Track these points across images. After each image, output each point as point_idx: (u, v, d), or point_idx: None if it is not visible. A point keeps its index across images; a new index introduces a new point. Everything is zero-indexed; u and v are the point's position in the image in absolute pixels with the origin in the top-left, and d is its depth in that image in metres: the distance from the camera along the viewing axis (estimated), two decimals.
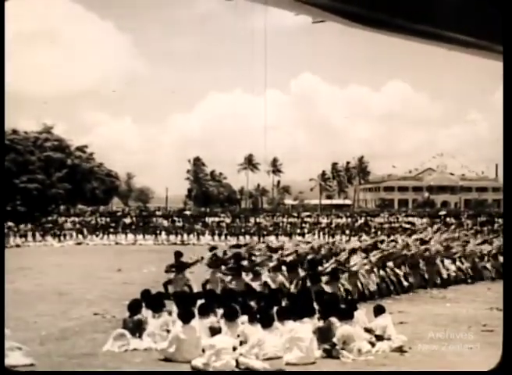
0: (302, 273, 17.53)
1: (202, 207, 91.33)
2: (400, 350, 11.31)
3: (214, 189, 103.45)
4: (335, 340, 11.15)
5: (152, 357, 10.95)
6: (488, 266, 23.00)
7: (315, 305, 12.50)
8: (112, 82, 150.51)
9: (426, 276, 20.58)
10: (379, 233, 45.35)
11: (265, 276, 17.32)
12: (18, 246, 40.82)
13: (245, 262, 17.71)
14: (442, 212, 76.74)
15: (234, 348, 10.51)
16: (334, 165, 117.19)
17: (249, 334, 11.17)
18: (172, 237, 47.70)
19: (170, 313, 12.50)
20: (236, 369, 10.19)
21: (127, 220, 58.87)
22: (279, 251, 19.05)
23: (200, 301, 12.53)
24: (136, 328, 11.79)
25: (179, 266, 17.66)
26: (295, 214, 73.50)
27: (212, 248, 18.83)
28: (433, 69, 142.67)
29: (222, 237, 47.92)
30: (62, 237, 45.42)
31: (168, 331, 11.56)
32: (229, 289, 15.98)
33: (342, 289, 16.65)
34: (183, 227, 53.04)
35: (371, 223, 62.09)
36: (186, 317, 11.03)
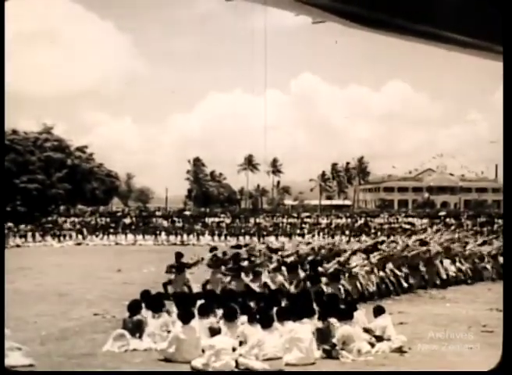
0: (302, 273, 17.54)
1: (202, 207, 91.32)
2: (399, 350, 11.31)
3: (214, 189, 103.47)
4: (334, 340, 11.15)
5: (152, 357, 10.95)
6: (488, 266, 23.00)
7: (315, 306, 12.50)
8: (112, 82, 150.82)
9: (426, 276, 20.58)
10: (379, 233, 45.38)
11: (265, 277, 17.32)
12: (18, 246, 40.82)
13: (245, 263, 17.71)
14: (442, 213, 76.74)
15: (234, 349, 10.50)
16: (334, 165, 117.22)
17: (249, 335, 11.17)
18: (171, 238, 47.71)
19: (170, 314, 12.50)
20: (236, 370, 10.19)
21: (127, 221, 58.85)
22: (279, 252, 19.06)
23: (199, 302, 12.53)
24: (136, 328, 11.78)
25: (179, 266, 17.67)
26: (295, 214, 73.45)
27: (212, 249, 18.85)
28: (433, 69, 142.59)
29: (222, 238, 47.92)
30: (61, 238, 45.42)
31: (168, 332, 11.56)
32: (228, 289, 15.99)
33: (342, 290, 16.64)
34: (183, 228, 53.04)
35: (370, 223, 62.07)
36: (185, 317, 11.03)
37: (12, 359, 10.10)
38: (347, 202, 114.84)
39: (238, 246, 21.27)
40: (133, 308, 12.17)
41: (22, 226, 45.87)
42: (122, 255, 33.93)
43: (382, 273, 18.67)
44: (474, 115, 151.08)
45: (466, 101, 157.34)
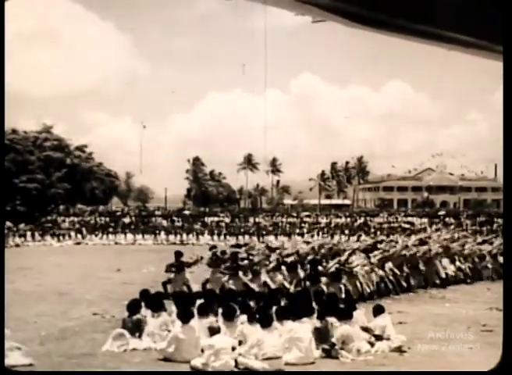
0: (302, 273, 17.54)
1: (201, 207, 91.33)
2: (399, 350, 11.31)
3: (213, 189, 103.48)
4: (334, 340, 11.15)
5: (151, 357, 10.95)
6: (488, 266, 23.01)
7: (315, 305, 12.51)
8: (111, 82, 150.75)
9: (425, 276, 20.59)
10: (378, 233, 45.41)
11: (265, 276, 17.33)
12: (17, 246, 40.81)
13: (243, 262, 17.71)
14: (442, 212, 76.77)
15: (233, 348, 10.50)
16: (333, 165, 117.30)
17: (248, 334, 11.17)
18: (171, 237, 47.70)
19: (169, 313, 12.50)
20: (235, 369, 10.19)
21: (127, 220, 58.87)
22: (278, 251, 19.07)
23: (199, 301, 12.53)
24: (136, 328, 11.78)
25: (179, 265, 17.68)
26: (294, 214, 73.50)
27: (212, 247, 18.85)
28: (433, 69, 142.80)
29: (222, 237, 47.91)
30: (61, 237, 45.40)
31: (167, 331, 11.56)
32: (228, 289, 15.99)
33: (343, 289, 16.65)
34: (183, 227, 53.06)
35: (370, 222, 62.14)
36: (185, 317, 11.03)
37: (12, 359, 10.10)
38: (347, 202, 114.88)
39: (237, 245, 21.27)
40: (133, 307, 12.17)
41: (21, 226, 45.88)
42: (121, 255, 33.94)
43: (381, 273, 18.68)
44: (474, 115, 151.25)
45: (466, 101, 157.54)
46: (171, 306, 12.88)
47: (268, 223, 60.22)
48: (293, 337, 10.78)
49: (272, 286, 16.78)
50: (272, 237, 45.94)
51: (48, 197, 60.31)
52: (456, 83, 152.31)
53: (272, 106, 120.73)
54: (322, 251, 19.75)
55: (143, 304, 12.47)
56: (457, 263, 22.02)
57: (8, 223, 43.84)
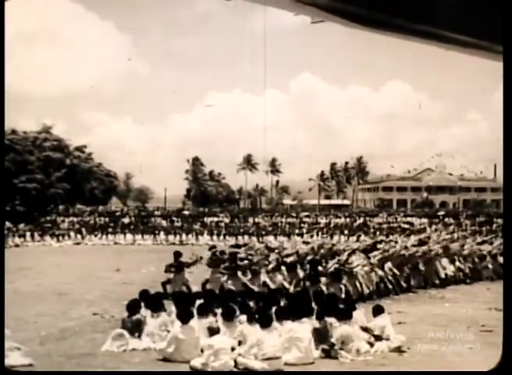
0: (301, 273, 17.55)
1: (201, 207, 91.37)
2: (398, 350, 11.32)
3: (213, 189, 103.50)
4: (333, 340, 11.15)
5: (151, 357, 10.95)
6: (488, 266, 23.02)
7: (314, 306, 12.51)
8: (112, 82, 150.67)
9: (425, 276, 20.60)
10: (378, 233, 45.42)
11: (264, 277, 17.33)
12: (17, 246, 40.78)
13: (242, 262, 17.71)
14: (441, 213, 76.84)
15: (233, 348, 10.50)
16: (333, 165, 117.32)
17: (248, 334, 11.17)
18: (170, 237, 47.66)
19: (169, 313, 12.50)
20: (235, 370, 10.19)
21: (126, 220, 58.88)
22: (277, 250, 19.08)
23: (198, 302, 12.53)
24: (135, 328, 11.78)
25: (178, 266, 17.68)
26: (294, 214, 73.56)
27: (212, 248, 18.85)
28: (433, 69, 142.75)
29: (221, 237, 47.89)
30: (60, 237, 45.37)
31: (167, 331, 11.56)
32: (228, 289, 16.00)
33: (343, 290, 16.66)
34: (182, 227, 53.06)
35: (369, 223, 62.17)
36: (184, 317, 11.03)
37: (12, 359, 10.10)
38: (346, 202, 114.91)
39: (237, 245, 21.27)
40: (132, 307, 12.17)
41: (21, 226, 45.87)
42: (121, 255, 33.93)
43: (381, 273, 18.68)
44: (473, 115, 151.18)
45: (466, 101, 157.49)
46: (170, 306, 12.88)
47: (268, 224, 60.25)
48: (292, 337, 10.78)
49: (272, 286, 16.79)
50: (271, 238, 45.95)
51: (48, 197, 60.31)
52: (456, 83, 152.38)
53: (271, 106, 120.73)
54: (322, 251, 19.77)
55: (142, 304, 12.47)
56: (457, 263, 22.02)
57: (7, 224, 43.84)
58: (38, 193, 58.39)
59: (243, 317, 11.80)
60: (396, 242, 22.40)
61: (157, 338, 11.60)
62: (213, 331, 10.70)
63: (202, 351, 10.43)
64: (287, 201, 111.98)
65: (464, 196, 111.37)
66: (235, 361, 10.26)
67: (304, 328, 11.09)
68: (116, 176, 75.15)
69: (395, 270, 19.23)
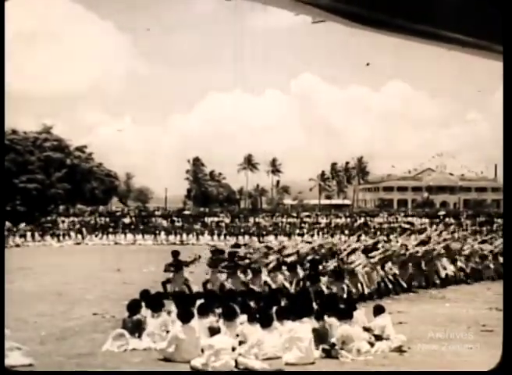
0: (302, 273, 17.55)
1: (201, 207, 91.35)
2: (399, 350, 11.32)
3: (213, 189, 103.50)
4: (334, 340, 11.15)
5: (151, 357, 10.95)
6: (490, 266, 23.02)
7: (315, 305, 12.51)
8: (112, 82, 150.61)
9: (426, 276, 20.61)
10: (378, 233, 45.42)
11: (265, 276, 17.34)
12: (17, 246, 40.83)
13: (242, 261, 17.70)
14: (442, 213, 76.83)
15: (233, 348, 10.50)
16: (333, 165, 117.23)
17: (248, 334, 11.17)
18: (171, 237, 47.72)
19: (169, 313, 12.50)
20: (235, 370, 10.19)
21: (126, 220, 58.91)
22: (275, 249, 19.09)
23: (199, 301, 12.53)
24: (136, 328, 11.78)
25: (177, 264, 17.70)
26: (294, 214, 73.55)
27: (212, 248, 18.85)
28: (433, 69, 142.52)
29: (222, 237, 47.93)
30: (61, 237, 45.42)
31: (167, 331, 11.56)
32: (228, 289, 16.00)
33: (345, 289, 16.67)
34: (183, 227, 53.10)
35: (370, 223, 62.19)
36: (185, 317, 11.03)
37: (12, 359, 10.10)
38: (347, 202, 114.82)
39: (237, 245, 21.26)
40: (133, 307, 12.18)
41: (21, 226, 45.91)
42: (121, 255, 33.91)
43: (381, 273, 18.69)
44: (474, 115, 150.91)
45: (466, 101, 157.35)
46: (171, 306, 12.88)
47: (268, 224, 60.30)
48: (293, 337, 10.78)
49: (273, 286, 16.79)
50: (272, 238, 45.98)
51: (48, 197, 60.33)
52: (456, 83, 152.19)
53: (271, 106, 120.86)
54: (322, 250, 19.76)
55: (143, 304, 12.47)
56: (458, 263, 22.03)
57: (8, 223, 43.86)
58: (39, 193, 58.41)
59: (244, 317, 11.81)
60: (397, 242, 22.39)
61: (157, 338, 11.60)
62: (214, 331, 10.70)
63: (203, 351, 10.44)
64: (288, 201, 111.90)
65: (464, 196, 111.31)
66: (235, 361, 10.26)
67: (304, 328, 11.08)
68: (117, 176, 75.19)
69: (395, 270, 19.25)
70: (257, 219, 63.93)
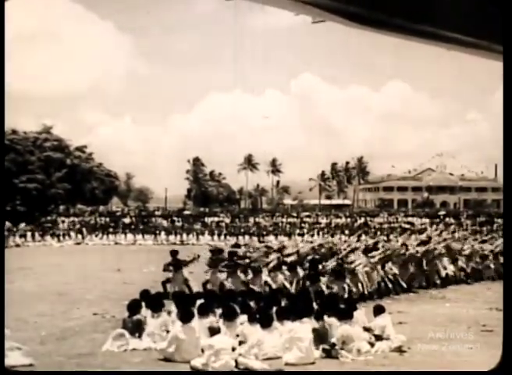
0: (302, 272, 17.55)
1: (201, 207, 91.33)
2: (399, 350, 11.32)
3: (213, 189, 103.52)
4: (334, 340, 11.15)
5: (151, 357, 10.95)
6: (490, 266, 23.03)
7: (315, 305, 12.51)
8: (112, 82, 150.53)
9: (427, 276, 20.61)
10: (379, 233, 45.42)
11: (266, 276, 17.33)
12: (18, 246, 40.82)
13: (242, 261, 17.69)
14: (442, 212, 76.82)
15: (233, 349, 10.50)
16: (333, 165, 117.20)
17: (248, 334, 11.17)
18: (171, 237, 47.69)
19: (169, 313, 12.50)
20: (236, 370, 10.19)
21: (127, 220, 58.92)
22: (277, 249, 19.08)
23: (199, 302, 12.53)
24: (136, 328, 11.78)
25: (176, 264, 17.69)
26: (294, 214, 73.53)
27: (212, 248, 18.83)
28: (433, 69, 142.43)
29: (222, 237, 47.92)
30: (61, 237, 45.41)
31: (167, 331, 11.56)
32: (228, 289, 16.00)
33: (346, 289, 16.68)
34: (183, 227, 53.10)
35: (370, 223, 62.19)
36: (185, 317, 11.02)
37: (12, 359, 10.10)
38: (347, 202, 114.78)
39: (237, 245, 21.25)
40: (133, 307, 12.18)
41: (21, 226, 45.90)
42: (121, 255, 33.91)
43: (381, 272, 18.69)
44: (474, 115, 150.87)
45: (466, 101, 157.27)
46: (171, 306, 12.88)
47: (269, 224, 60.30)
48: (293, 337, 10.78)
49: (273, 286, 16.79)
50: (272, 238, 45.97)
51: (48, 197, 60.33)
52: (456, 83, 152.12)
53: (271, 106, 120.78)
54: (322, 250, 19.75)
55: (143, 304, 12.47)
56: (457, 263, 22.02)
57: (8, 223, 43.85)
58: (39, 193, 58.41)
59: (244, 317, 11.80)
60: (397, 242, 22.40)
61: (157, 338, 11.60)
62: (214, 331, 10.70)
63: (203, 351, 10.44)
64: (288, 201, 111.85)
65: (464, 196, 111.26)
66: (235, 361, 10.26)
67: (304, 328, 11.09)
68: (117, 176, 75.18)
69: (395, 270, 19.24)
70: (257, 219, 63.94)
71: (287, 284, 17.07)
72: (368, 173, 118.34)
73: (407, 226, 56.62)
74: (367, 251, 19.44)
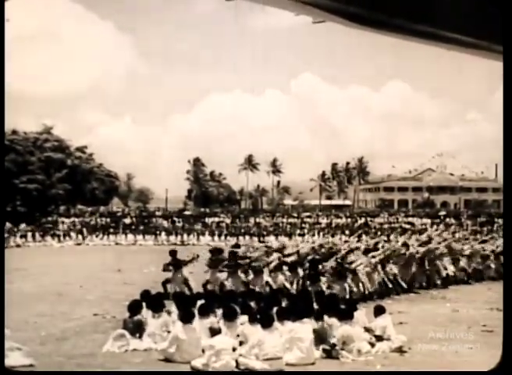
0: (302, 273, 17.55)
1: (202, 207, 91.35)
2: (399, 350, 11.32)
3: (214, 189, 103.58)
4: (334, 340, 11.15)
5: (152, 357, 10.96)
6: (491, 266, 23.02)
7: (315, 306, 12.51)
8: (112, 82, 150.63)
9: (428, 276, 20.62)
10: (379, 233, 45.42)
11: (267, 277, 17.33)
12: (18, 246, 40.82)
13: (242, 260, 17.69)
14: (442, 213, 76.83)
15: (234, 349, 10.50)
16: (334, 165, 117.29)
17: (249, 335, 11.17)
18: (172, 238, 47.67)
19: (170, 313, 12.51)
20: (236, 370, 10.19)
21: (127, 221, 58.90)
22: (277, 248, 19.09)
23: (200, 302, 12.53)
24: (136, 328, 11.78)
25: (175, 264, 17.70)
26: (295, 214, 73.53)
27: (212, 248, 18.84)
28: (433, 69, 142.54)
29: (222, 238, 47.92)
30: (61, 238, 45.41)
31: (168, 332, 11.56)
32: (229, 289, 16.00)
33: (347, 289, 16.68)
34: (183, 228, 53.08)
35: (370, 223, 62.19)
36: (186, 318, 11.03)
37: (12, 359, 10.10)
38: (347, 202, 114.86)
39: (237, 245, 21.24)
40: (134, 308, 12.18)
41: (22, 227, 45.90)
42: (122, 256, 33.92)
43: (382, 273, 18.68)
44: (474, 115, 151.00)
45: (466, 101, 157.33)
46: (171, 307, 12.88)
47: (269, 224, 60.28)
48: (293, 338, 10.78)
49: (274, 286, 16.80)
50: (272, 238, 45.96)
51: (49, 197, 60.34)
52: (456, 83, 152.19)
53: (271, 106, 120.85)
54: (322, 250, 19.74)
55: (144, 304, 12.48)
56: (457, 263, 22.02)
57: (8, 224, 43.86)
58: (39, 193, 58.42)
59: (245, 317, 11.81)
60: (397, 242, 22.39)
61: (158, 339, 11.60)
62: (214, 331, 10.70)
63: (203, 351, 10.44)
64: (288, 201, 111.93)
65: (465, 196, 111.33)
66: (236, 361, 10.26)
67: (305, 328, 11.08)
68: (117, 177, 75.21)
69: (396, 270, 19.24)
70: (257, 220, 63.92)
71: (287, 285, 17.07)
72: (369, 173, 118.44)
73: (408, 226, 56.60)
74: (367, 251, 19.45)
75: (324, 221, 64.31)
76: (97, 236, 47.23)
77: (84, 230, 48.85)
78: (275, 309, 11.81)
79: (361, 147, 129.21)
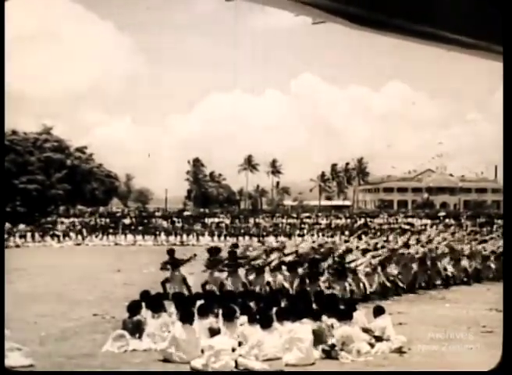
0: (302, 273, 17.54)
1: (201, 208, 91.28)
2: (399, 351, 11.32)
3: (213, 190, 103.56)
4: (334, 341, 11.15)
5: (151, 357, 10.95)
6: (488, 266, 23.02)
7: (314, 306, 12.51)
8: (112, 82, 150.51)
9: (428, 276, 20.62)
10: (379, 234, 45.41)
11: (268, 277, 17.33)
12: (17, 246, 40.84)
13: (242, 260, 17.68)
14: (442, 213, 76.82)
15: (233, 349, 10.50)
16: (333, 166, 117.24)
17: (248, 335, 11.16)
18: (171, 238, 47.72)
19: (170, 314, 12.50)
20: (236, 370, 10.19)
21: (127, 221, 58.88)
22: (277, 248, 19.09)
23: (199, 302, 12.52)
24: (136, 329, 11.78)
25: (173, 263, 17.68)
26: (294, 215, 73.48)
27: (211, 249, 18.81)
28: (433, 69, 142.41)
29: (222, 238, 47.92)
30: (61, 238, 45.42)
31: (167, 332, 11.55)
32: (228, 290, 15.99)
33: (348, 289, 16.67)
34: (183, 228, 53.08)
35: (370, 223, 62.17)
36: (185, 318, 11.02)
37: (12, 360, 10.10)
38: (347, 203, 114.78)
39: (236, 246, 21.23)
40: (133, 308, 12.18)
41: (21, 227, 45.91)
42: (121, 256, 33.92)
43: (381, 273, 18.68)
44: (474, 115, 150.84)
45: (466, 101, 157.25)
46: (171, 307, 12.88)
47: (269, 224, 60.27)
48: (293, 338, 10.78)
49: (273, 286, 16.80)
50: (272, 238, 45.94)
51: (48, 198, 60.36)
52: (456, 83, 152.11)
53: (272, 106, 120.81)
54: (322, 250, 19.73)
55: (143, 305, 12.47)
56: (457, 264, 22.02)
57: (8, 224, 43.86)
58: (39, 194, 58.45)
59: (244, 318, 11.80)
60: (397, 242, 22.39)
61: (157, 339, 11.60)
62: (214, 332, 10.70)
63: (203, 351, 10.43)
64: (288, 201, 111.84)
65: (464, 197, 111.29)
66: (235, 362, 10.26)
67: (304, 329, 11.08)
68: (117, 177, 75.26)
69: (396, 271, 19.24)
70: (257, 220, 63.90)
71: (286, 285, 17.06)
72: (368, 173, 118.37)
73: (407, 227, 56.60)
74: (367, 251, 19.45)
75: (323, 222, 64.29)
76: (96, 236, 47.27)
77: (84, 230, 48.89)
78: (274, 310, 11.80)
79: (361, 147, 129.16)
